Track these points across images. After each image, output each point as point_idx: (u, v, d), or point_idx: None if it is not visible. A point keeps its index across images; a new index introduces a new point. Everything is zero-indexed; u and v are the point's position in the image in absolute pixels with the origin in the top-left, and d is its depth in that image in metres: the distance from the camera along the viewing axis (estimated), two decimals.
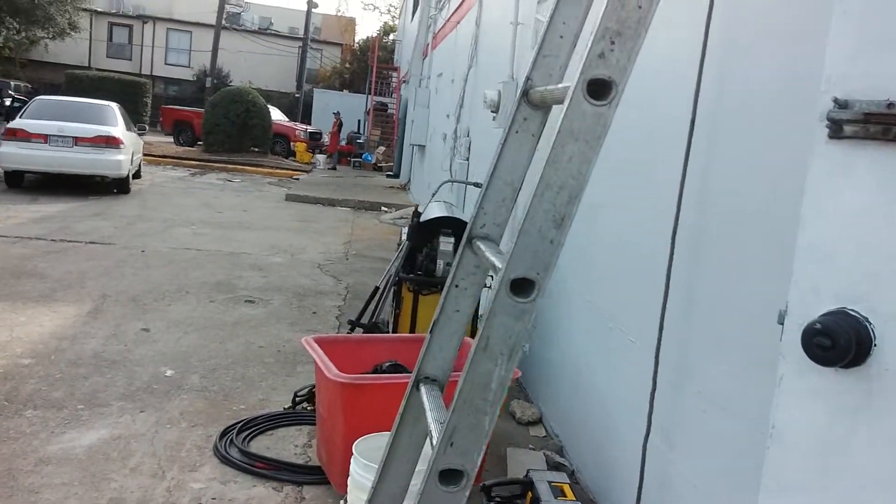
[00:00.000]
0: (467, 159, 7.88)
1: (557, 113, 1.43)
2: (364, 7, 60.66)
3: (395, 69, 29.43)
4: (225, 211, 11.66)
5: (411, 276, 4.17)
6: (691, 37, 2.50)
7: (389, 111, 29.05)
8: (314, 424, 3.89)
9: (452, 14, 10.78)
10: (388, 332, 4.13)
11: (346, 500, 2.73)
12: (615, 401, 3.16)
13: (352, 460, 2.59)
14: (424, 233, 4.16)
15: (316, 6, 34.97)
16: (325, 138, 24.01)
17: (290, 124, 25.24)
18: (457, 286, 1.45)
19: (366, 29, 50.81)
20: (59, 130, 11.14)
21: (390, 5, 43.54)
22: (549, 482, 2.57)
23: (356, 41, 42.54)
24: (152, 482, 3.18)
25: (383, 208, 13.74)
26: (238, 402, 4.16)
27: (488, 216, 1.44)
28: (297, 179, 17.85)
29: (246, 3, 41.48)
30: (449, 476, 1.10)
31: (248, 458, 3.45)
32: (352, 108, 27.67)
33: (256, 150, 20.55)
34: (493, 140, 6.87)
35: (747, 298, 2.18)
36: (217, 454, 3.49)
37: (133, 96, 23.00)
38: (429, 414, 1.32)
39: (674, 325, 2.55)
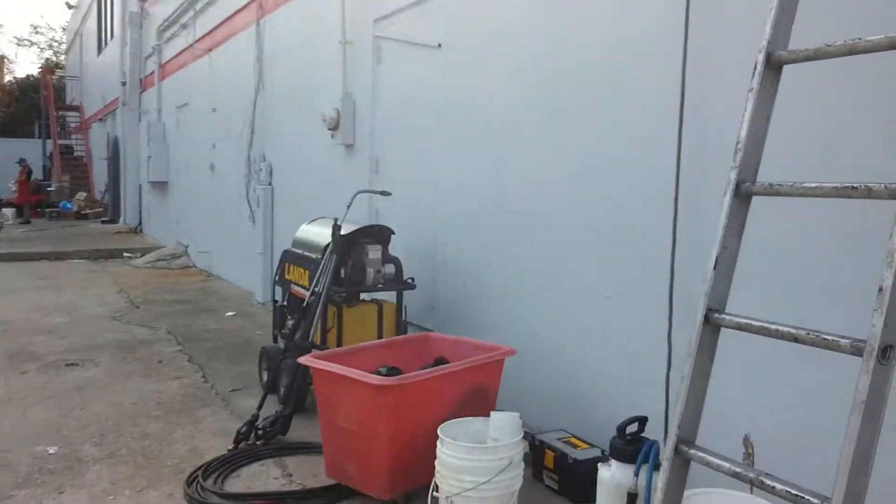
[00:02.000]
0: (270, 183, 7.70)
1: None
2: (18, 43, 51.13)
3: (77, 108, 26.45)
4: None
5: (342, 289, 4.11)
6: None
7: (77, 154, 26.01)
8: (275, 457, 3.66)
9: (198, 41, 10.30)
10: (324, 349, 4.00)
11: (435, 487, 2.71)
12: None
13: (442, 447, 2.61)
14: (345, 246, 4.13)
15: None
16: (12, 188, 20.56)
17: None
18: (729, 227, 1.75)
19: (22, 67, 43.50)
20: None
21: (52, 40, 38.81)
22: None
23: (10, 80, 37.13)
24: None
25: (126, 254, 12.44)
26: (166, 457, 3.70)
27: (747, 166, 1.78)
28: None
29: None
30: (885, 351, 1.39)
31: (244, 501, 3.16)
32: (22, 154, 23.83)
33: None
34: (299, 160, 6.83)
35: None
36: None
37: None
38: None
39: None
